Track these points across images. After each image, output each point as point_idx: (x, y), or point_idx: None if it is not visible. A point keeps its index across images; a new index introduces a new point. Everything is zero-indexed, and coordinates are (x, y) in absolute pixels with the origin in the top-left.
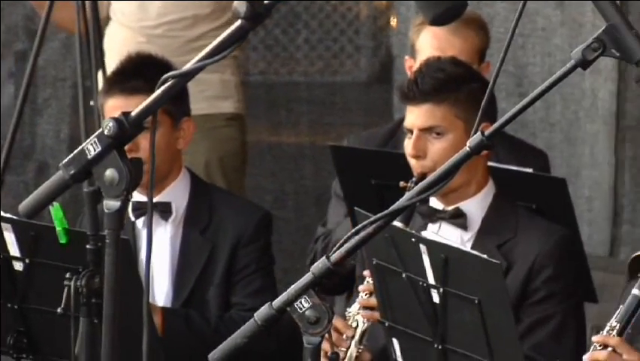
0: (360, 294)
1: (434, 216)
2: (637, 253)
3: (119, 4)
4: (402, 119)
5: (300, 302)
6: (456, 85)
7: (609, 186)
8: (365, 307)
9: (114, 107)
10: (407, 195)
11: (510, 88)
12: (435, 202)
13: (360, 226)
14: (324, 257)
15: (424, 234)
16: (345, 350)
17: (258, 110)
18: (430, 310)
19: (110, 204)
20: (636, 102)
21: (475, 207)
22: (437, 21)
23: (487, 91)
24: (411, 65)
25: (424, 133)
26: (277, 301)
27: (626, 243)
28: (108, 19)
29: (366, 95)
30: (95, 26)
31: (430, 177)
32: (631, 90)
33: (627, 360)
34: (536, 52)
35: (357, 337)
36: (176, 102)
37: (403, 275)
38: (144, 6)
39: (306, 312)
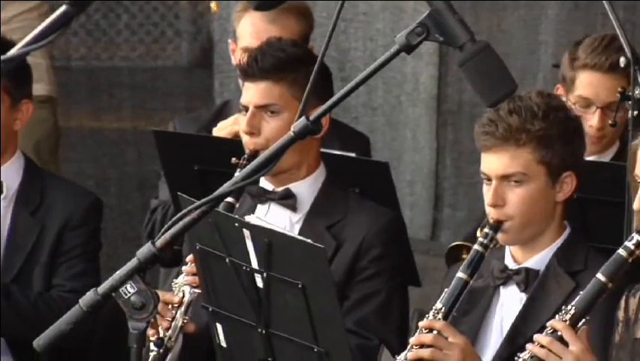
0: (189, 263)
1: (264, 196)
2: (454, 243)
3: None
4: (226, 102)
5: (126, 288)
6: (295, 66)
7: (430, 170)
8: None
9: None
10: (231, 180)
11: (332, 72)
12: (265, 183)
13: (184, 211)
14: (149, 242)
15: (250, 218)
16: (170, 320)
17: (80, 96)
18: (253, 295)
19: None
20: (457, 86)
21: (306, 189)
22: (261, 6)
23: (312, 75)
24: (234, 49)
25: (260, 110)
26: (102, 287)
27: (447, 227)
28: None
29: (187, 79)
30: None
31: (255, 161)
32: (452, 74)
33: (453, 343)
34: (358, 36)
35: (182, 307)
36: (18, 84)
37: (227, 260)
38: None
39: (132, 297)
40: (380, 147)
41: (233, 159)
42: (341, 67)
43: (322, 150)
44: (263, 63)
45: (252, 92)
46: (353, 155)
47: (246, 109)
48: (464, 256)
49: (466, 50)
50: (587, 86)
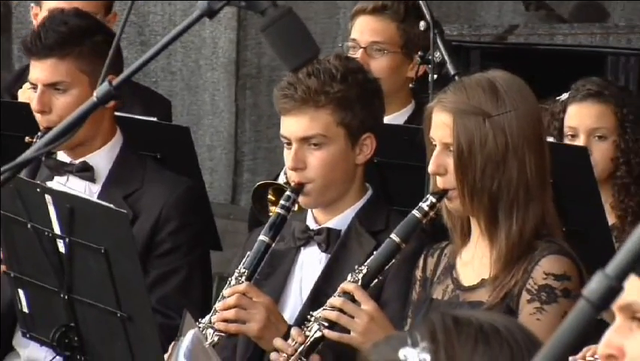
0: None
1: (62, 169)
2: (259, 183)
3: None
4: (26, 66)
5: None
6: (79, 39)
7: (230, 135)
8: None
9: None
10: (33, 147)
11: (132, 37)
12: (62, 155)
13: None
14: None
15: (52, 184)
16: None
17: None
18: (56, 261)
19: None
20: (256, 50)
21: (102, 159)
22: None
23: (114, 43)
24: (36, 13)
25: (49, 88)
26: None
27: (247, 191)
28: None
29: None
30: None
31: (56, 129)
32: (250, 38)
33: (257, 302)
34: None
35: None
36: None
37: (29, 226)
38: None
39: None
40: (179, 112)
41: (27, 138)
42: (140, 31)
43: (124, 114)
44: (46, 40)
45: (39, 71)
46: (154, 119)
47: (35, 86)
48: (270, 195)
49: (267, 15)
50: (354, 29)
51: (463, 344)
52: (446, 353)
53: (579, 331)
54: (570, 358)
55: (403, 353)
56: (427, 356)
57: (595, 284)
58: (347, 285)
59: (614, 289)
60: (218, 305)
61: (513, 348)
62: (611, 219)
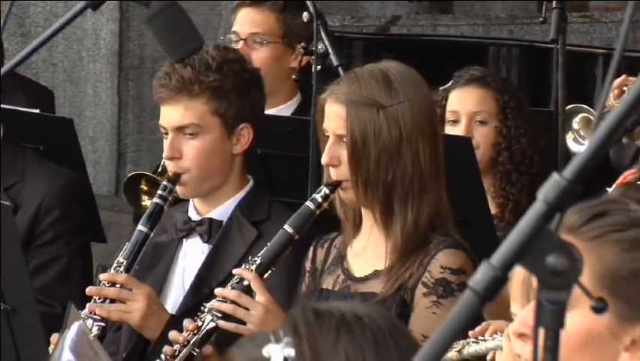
0: None
1: None
2: (132, 173)
3: None
4: None
5: None
6: None
7: (112, 126)
8: None
9: None
10: None
11: (12, 28)
12: None
13: None
14: None
15: None
16: None
17: None
18: None
19: None
20: (138, 42)
21: None
22: None
23: None
24: None
25: None
26: None
27: None
28: None
29: None
30: None
31: None
32: (133, 30)
33: (136, 293)
34: None
35: None
36: None
37: None
38: None
39: None
40: (61, 103)
41: None
42: (20, 23)
43: (6, 106)
44: None
45: None
46: (37, 111)
47: None
48: (143, 185)
49: (152, 7)
50: (235, 21)
51: (326, 334)
52: (309, 346)
53: (465, 321)
54: (470, 332)
55: (267, 350)
56: (292, 351)
57: (480, 275)
58: (246, 272)
59: (498, 280)
60: (93, 290)
61: (376, 334)
62: (491, 209)
